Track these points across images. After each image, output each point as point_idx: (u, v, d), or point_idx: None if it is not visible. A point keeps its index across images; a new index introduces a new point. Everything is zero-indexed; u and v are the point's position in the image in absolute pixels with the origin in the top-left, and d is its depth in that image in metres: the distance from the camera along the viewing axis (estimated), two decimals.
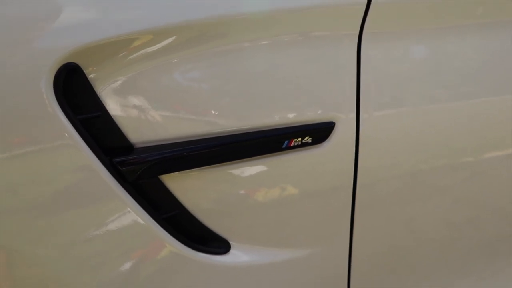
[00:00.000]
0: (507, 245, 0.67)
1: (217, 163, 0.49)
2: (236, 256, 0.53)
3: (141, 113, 0.46)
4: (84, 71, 0.43)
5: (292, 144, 0.50)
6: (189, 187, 0.49)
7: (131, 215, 0.47)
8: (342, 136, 0.51)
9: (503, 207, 0.63)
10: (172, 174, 0.48)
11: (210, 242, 0.52)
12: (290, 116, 0.50)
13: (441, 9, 0.52)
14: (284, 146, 0.50)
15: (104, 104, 0.44)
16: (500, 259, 0.67)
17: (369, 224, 0.57)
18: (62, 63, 0.42)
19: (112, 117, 0.45)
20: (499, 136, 0.57)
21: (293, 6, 0.47)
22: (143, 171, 0.46)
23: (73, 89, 0.43)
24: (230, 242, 0.53)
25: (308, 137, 0.50)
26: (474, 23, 0.54)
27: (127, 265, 0.48)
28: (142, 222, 0.47)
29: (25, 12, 0.41)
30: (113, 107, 0.45)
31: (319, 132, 0.50)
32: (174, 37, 0.45)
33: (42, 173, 0.43)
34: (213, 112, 0.47)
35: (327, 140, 0.51)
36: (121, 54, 0.44)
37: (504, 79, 0.55)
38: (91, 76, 0.44)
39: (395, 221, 0.58)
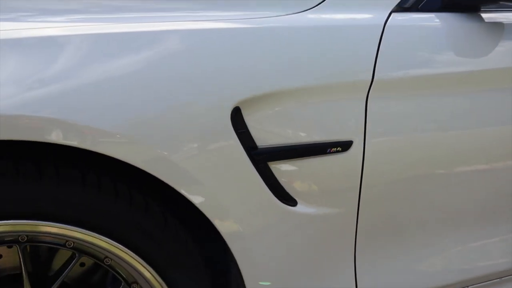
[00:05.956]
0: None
1: (297, 158, 0.99)
2: (301, 208, 1.03)
3: (262, 131, 0.97)
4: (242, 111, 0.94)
5: (332, 150, 1.01)
6: (280, 170, 1.00)
7: (257, 178, 0.97)
8: (356, 148, 1.02)
9: None
10: (273, 161, 0.99)
11: (287, 199, 1.02)
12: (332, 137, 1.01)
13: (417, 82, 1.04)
14: (327, 151, 1.01)
15: (248, 126, 0.95)
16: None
17: (370, 196, 1.07)
18: (234, 106, 0.93)
19: (250, 133, 0.96)
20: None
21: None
22: (260, 159, 0.97)
23: (237, 119, 0.94)
24: (297, 200, 1.03)
25: (339, 147, 1.01)
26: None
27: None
28: (261, 183, 0.98)
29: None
30: (252, 127, 0.96)
31: (344, 145, 1.02)
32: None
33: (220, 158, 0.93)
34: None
35: (348, 150, 1.02)
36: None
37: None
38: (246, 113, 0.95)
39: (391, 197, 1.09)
